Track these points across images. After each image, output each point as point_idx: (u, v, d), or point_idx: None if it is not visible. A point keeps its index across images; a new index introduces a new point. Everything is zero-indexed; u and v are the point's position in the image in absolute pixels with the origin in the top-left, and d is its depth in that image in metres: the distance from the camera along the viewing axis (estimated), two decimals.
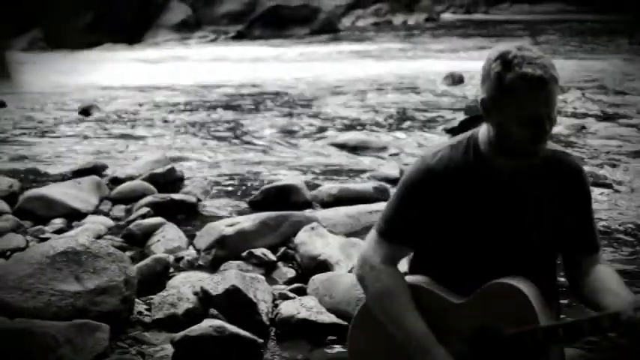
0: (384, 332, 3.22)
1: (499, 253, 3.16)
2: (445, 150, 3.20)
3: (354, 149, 11.32)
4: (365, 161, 10.62)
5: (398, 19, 44.12)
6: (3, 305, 5.29)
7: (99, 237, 7.05)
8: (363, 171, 10.01)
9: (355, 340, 3.39)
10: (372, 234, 3.30)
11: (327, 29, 34.59)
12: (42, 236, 7.29)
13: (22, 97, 16.23)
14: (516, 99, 2.93)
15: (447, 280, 3.21)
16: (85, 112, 14.65)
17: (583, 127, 12.63)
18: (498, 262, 3.15)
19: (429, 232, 3.20)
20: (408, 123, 13.52)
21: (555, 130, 11.62)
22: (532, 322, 3.03)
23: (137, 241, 7.19)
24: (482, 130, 3.15)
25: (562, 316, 3.43)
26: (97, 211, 8.20)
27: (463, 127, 3.02)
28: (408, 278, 3.30)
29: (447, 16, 47.46)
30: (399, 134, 12.56)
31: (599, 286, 3.12)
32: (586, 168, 9.72)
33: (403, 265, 3.38)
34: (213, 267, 6.58)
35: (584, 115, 13.79)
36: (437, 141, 10.96)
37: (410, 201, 3.19)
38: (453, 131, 10.50)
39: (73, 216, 7.93)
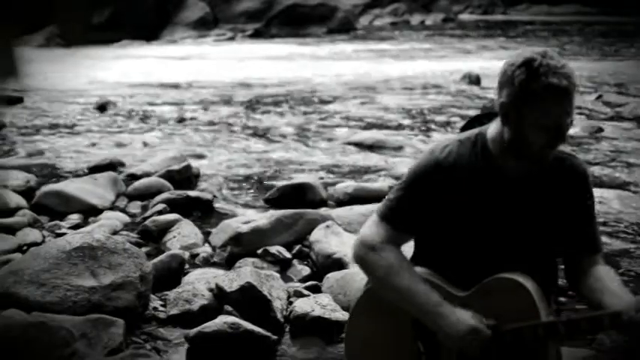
0: (383, 319, 3.27)
1: (501, 248, 3.19)
2: (453, 145, 3.24)
3: (370, 148, 11.32)
4: (381, 160, 10.62)
5: (415, 19, 44.12)
6: (19, 299, 5.33)
7: (115, 233, 7.07)
8: (379, 170, 10.01)
9: (354, 327, 3.43)
10: (373, 218, 3.32)
11: (345, 28, 34.61)
12: (58, 231, 7.32)
13: (39, 93, 16.27)
14: (540, 107, 2.96)
15: (447, 273, 3.24)
16: (102, 108, 14.69)
17: (600, 129, 12.59)
18: (500, 257, 3.17)
19: (432, 223, 3.23)
20: (424, 122, 13.51)
21: (571, 131, 11.57)
22: (533, 318, 3.06)
23: (153, 238, 7.22)
24: (492, 130, 3.18)
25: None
26: (113, 207, 8.24)
27: (470, 124, 3.05)
28: None
29: (464, 17, 47.43)
30: (416, 134, 12.55)
31: (600, 286, 3.15)
32: (602, 170, 9.75)
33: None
34: (228, 264, 6.60)
35: (602, 118, 13.75)
36: None
37: (416, 191, 3.22)
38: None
39: (90, 212, 7.96)
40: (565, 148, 3.22)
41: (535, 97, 2.95)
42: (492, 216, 3.16)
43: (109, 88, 17.49)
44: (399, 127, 13.15)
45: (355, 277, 5.82)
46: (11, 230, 7.16)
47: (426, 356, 3.23)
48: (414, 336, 3.24)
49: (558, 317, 3.23)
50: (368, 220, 3.36)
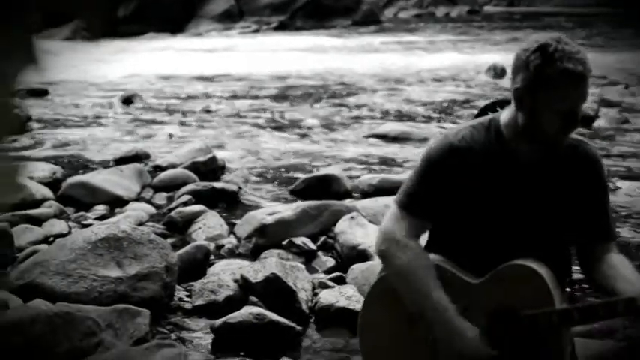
0: (397, 306, 3.26)
1: (514, 234, 3.19)
2: (467, 130, 3.25)
3: (395, 140, 11.31)
4: (406, 152, 10.60)
5: (440, 11, 44.01)
6: (45, 289, 5.36)
7: (140, 224, 7.10)
8: (404, 162, 10.00)
9: (368, 314, 3.43)
10: (393, 209, 3.32)
11: (370, 20, 34.57)
12: (84, 222, 7.35)
13: (65, 85, 16.34)
14: (555, 92, 2.97)
15: (461, 260, 3.24)
16: (128, 100, 14.74)
17: (626, 121, 12.52)
18: (513, 244, 3.17)
19: (447, 208, 3.23)
20: (449, 114, 13.49)
21: (597, 123, 11.49)
22: (547, 304, 3.06)
23: (178, 229, 7.24)
24: (505, 116, 3.20)
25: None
26: (138, 199, 8.26)
27: (482, 112, 3.09)
28: None
29: (489, 9, 47.25)
30: (441, 125, 12.52)
31: (613, 272, 3.15)
32: (626, 163, 9.67)
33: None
34: (253, 255, 6.62)
35: (628, 109, 13.67)
36: None
37: (431, 176, 3.22)
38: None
39: (115, 203, 7.99)
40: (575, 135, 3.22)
41: (550, 81, 2.96)
42: (505, 201, 3.17)
43: (135, 80, 17.54)
44: (425, 119, 13.13)
45: (380, 269, 5.82)
46: (37, 221, 7.20)
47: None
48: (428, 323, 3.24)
49: (572, 304, 3.23)
50: (388, 211, 3.37)
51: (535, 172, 3.17)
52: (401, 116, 13.28)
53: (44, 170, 8.76)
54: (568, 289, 3.44)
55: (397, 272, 3.25)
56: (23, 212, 7.31)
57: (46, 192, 8.02)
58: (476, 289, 3.15)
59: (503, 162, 3.15)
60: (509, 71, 3.24)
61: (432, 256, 3.28)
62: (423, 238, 3.40)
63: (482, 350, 3.11)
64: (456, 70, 18.87)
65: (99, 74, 18.14)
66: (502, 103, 3.28)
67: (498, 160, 3.16)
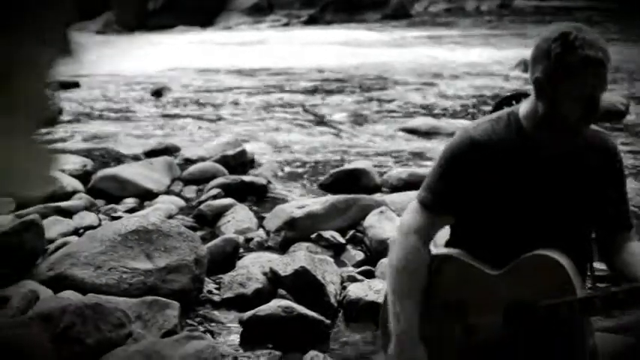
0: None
1: (535, 226, 3.17)
2: (487, 123, 3.24)
3: (425, 134, 11.29)
4: (436, 146, 10.57)
5: (470, 5, 43.77)
6: (75, 281, 5.40)
7: (170, 217, 7.12)
8: (434, 156, 9.95)
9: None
10: (414, 203, 3.31)
11: (400, 14, 34.46)
12: (114, 215, 7.38)
13: (96, 78, 16.40)
14: (575, 80, 2.97)
15: (482, 253, 3.21)
16: (158, 93, 14.79)
17: None
18: (534, 235, 3.15)
19: (468, 202, 3.21)
20: (479, 109, 13.44)
21: (627, 118, 11.38)
22: (568, 294, 3.04)
23: (207, 222, 7.26)
24: (524, 107, 3.19)
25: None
26: (168, 192, 8.29)
27: (499, 106, 3.12)
28: (444, 250, 3.32)
29: (520, 3, 46.98)
30: (470, 120, 12.47)
31: (634, 260, 3.17)
32: None
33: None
34: (282, 248, 6.63)
35: None
36: None
37: (451, 170, 3.21)
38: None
39: (145, 196, 8.02)
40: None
41: (571, 69, 2.96)
42: (526, 193, 3.16)
43: (165, 73, 17.57)
44: (456, 113, 13.08)
45: None
46: (68, 213, 7.23)
47: (462, 337, 3.21)
48: (450, 317, 3.23)
49: (594, 292, 3.22)
50: (409, 204, 3.36)
51: (555, 163, 3.16)
52: (432, 110, 13.25)
53: (75, 163, 8.81)
54: (589, 282, 3.43)
55: (390, 263, 3.27)
56: (54, 204, 7.34)
57: (77, 184, 8.06)
58: (495, 280, 3.14)
59: (523, 154, 3.15)
60: None
61: (452, 249, 3.28)
62: (445, 232, 3.41)
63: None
64: (488, 64, 18.78)
65: (129, 67, 18.19)
66: (518, 97, 3.30)
67: (519, 152, 3.15)
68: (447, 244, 3.38)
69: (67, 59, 0.96)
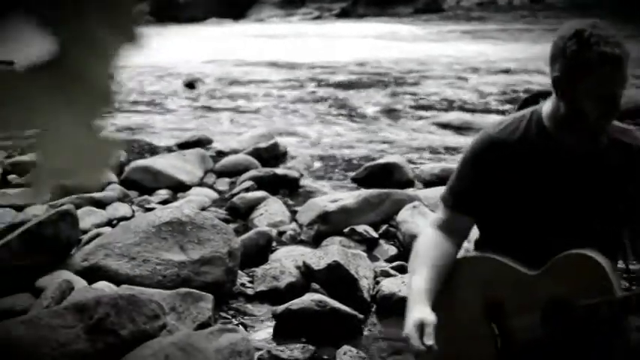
0: (454, 303, 3.24)
1: (558, 225, 3.15)
2: (508, 121, 3.25)
3: (458, 129, 11.24)
4: (468, 141, 10.50)
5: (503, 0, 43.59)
6: (109, 272, 5.41)
7: (203, 209, 7.13)
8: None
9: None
10: (440, 203, 3.38)
11: (432, 8, 34.37)
12: (147, 206, 7.40)
13: (128, 69, 16.44)
14: (593, 77, 2.94)
15: (514, 254, 3.20)
16: (191, 85, 14.82)
17: None
18: (563, 235, 3.13)
19: (490, 202, 3.21)
20: (512, 104, 13.36)
21: None
22: (607, 293, 3.01)
23: (240, 214, 7.26)
24: (547, 106, 3.17)
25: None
26: (201, 184, 8.31)
27: (525, 104, 3.10)
28: (478, 254, 3.33)
29: None
30: (503, 115, 12.41)
31: None
32: None
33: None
34: (315, 242, 6.61)
35: None
36: None
37: (470, 169, 3.23)
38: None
39: (178, 187, 8.04)
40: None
41: (588, 66, 2.93)
42: (550, 192, 3.15)
43: (198, 65, 17.61)
44: (488, 108, 13.02)
45: None
46: (101, 204, 7.26)
47: (500, 338, 3.19)
48: (487, 318, 3.21)
49: (633, 290, 3.20)
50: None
51: (577, 162, 3.14)
52: (465, 105, 13.18)
53: None
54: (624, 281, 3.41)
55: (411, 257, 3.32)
56: (87, 195, 7.38)
57: (110, 175, 8.09)
58: (532, 280, 3.12)
59: (544, 153, 3.14)
60: None
61: (487, 253, 3.27)
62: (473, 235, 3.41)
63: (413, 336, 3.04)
64: (523, 59, 18.66)
65: (162, 59, 18.21)
66: (544, 95, 3.26)
67: (539, 151, 3.14)
68: (476, 245, 3.38)
69: (132, 47, 0.95)
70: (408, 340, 3.00)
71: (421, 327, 2.99)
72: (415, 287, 3.15)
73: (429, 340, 2.95)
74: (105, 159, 0.92)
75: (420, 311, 3.04)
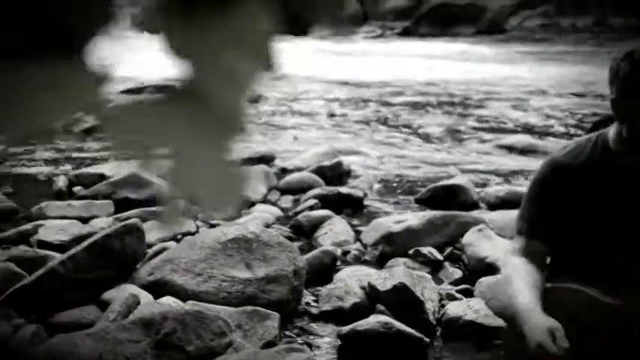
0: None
1: (631, 244, 3.11)
2: (573, 146, 3.27)
3: (522, 152, 11.14)
4: (533, 164, 10.42)
5: (566, 22, 43.25)
6: (176, 287, 5.43)
7: (267, 226, 7.12)
8: (531, 174, 9.80)
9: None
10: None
11: (494, 29, 34.21)
12: (211, 222, 7.41)
13: None
14: None
15: (587, 279, 3.16)
16: (254, 101, 14.86)
17: None
18: (632, 253, 3.09)
19: (561, 225, 3.19)
20: (577, 127, 13.24)
21: None
22: None
23: (304, 233, 7.24)
24: (612, 130, 3.17)
25: None
26: (265, 200, 8.30)
27: (595, 128, 3.12)
28: (562, 285, 3.27)
29: (617, 21, 46.30)
30: (568, 139, 12.29)
31: None
32: None
33: None
34: (379, 263, 6.58)
35: None
36: None
37: (537, 195, 3.27)
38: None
39: (242, 204, 8.04)
40: None
41: None
42: (618, 213, 3.13)
43: (261, 81, 17.61)
44: (553, 131, 12.90)
45: None
46: None
47: None
48: (577, 343, 3.17)
49: None
50: None
51: None
52: (530, 128, 13.07)
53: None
54: None
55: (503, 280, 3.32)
56: (152, 209, 7.41)
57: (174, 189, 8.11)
58: (617, 309, 3.07)
59: (610, 175, 3.14)
60: None
61: (563, 282, 3.22)
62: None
63: (547, 342, 2.98)
64: (589, 82, 18.49)
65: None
66: (613, 119, 3.24)
67: (605, 173, 3.14)
68: (549, 273, 3.35)
69: (267, 72, 0.94)
70: (540, 347, 2.95)
71: (551, 333, 2.97)
72: (526, 303, 3.10)
73: (564, 343, 2.93)
74: (238, 187, 0.90)
75: (544, 320, 3.01)
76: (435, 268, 6.52)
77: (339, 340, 5.16)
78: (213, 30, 0.83)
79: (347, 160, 9.80)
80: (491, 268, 6.26)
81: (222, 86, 0.85)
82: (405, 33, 32.34)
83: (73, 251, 5.65)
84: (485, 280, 5.94)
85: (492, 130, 12.87)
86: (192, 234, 6.88)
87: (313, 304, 5.73)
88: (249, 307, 5.07)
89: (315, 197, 8.04)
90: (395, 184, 9.27)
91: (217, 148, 0.87)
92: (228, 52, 0.84)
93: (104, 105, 0.81)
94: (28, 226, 6.99)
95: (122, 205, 7.75)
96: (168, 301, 5.25)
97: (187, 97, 0.85)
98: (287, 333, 5.29)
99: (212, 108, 0.86)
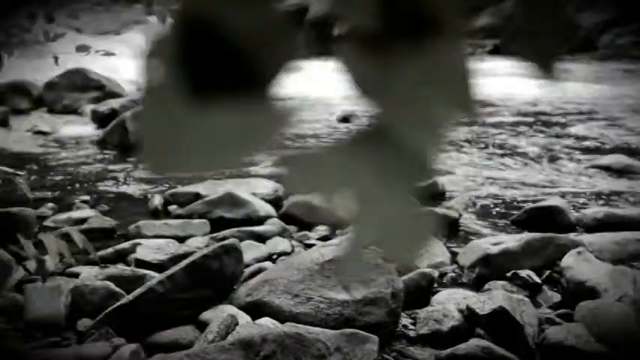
0: None
1: None
2: None
3: (620, 173, 10.94)
4: (631, 186, 10.24)
5: None
6: (273, 308, 5.43)
7: None
8: (630, 196, 9.64)
9: None
10: None
11: (586, 47, 33.79)
12: (307, 242, 7.41)
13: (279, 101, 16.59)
14: None
15: None
16: (345, 120, 14.86)
17: None
18: None
19: None
20: None
21: None
22: None
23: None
24: None
25: None
26: None
27: None
28: None
29: None
30: None
31: None
32: None
33: None
34: (476, 285, 6.50)
35: None
36: None
37: None
38: None
39: (336, 224, 8.03)
40: None
41: None
42: None
43: (352, 99, 17.62)
44: None
45: (611, 309, 5.63)
46: (262, 239, 7.32)
47: None
48: None
49: None
50: None
51: None
52: (627, 148, 12.84)
53: (266, 187, 8.91)
54: None
55: None
56: (248, 228, 7.45)
57: (269, 209, 8.16)
58: None
59: None
60: None
61: None
62: None
63: None
64: None
65: (315, 91, 18.35)
66: None
67: None
68: None
69: (465, 116, 0.91)
70: None
71: None
72: None
73: None
74: (424, 233, 0.88)
75: None
76: (533, 291, 6.41)
77: None
78: (406, 65, 0.81)
79: (441, 180, 9.73)
80: (591, 292, 6.14)
81: (415, 129, 0.83)
82: (495, 51, 32.10)
83: (171, 271, 5.70)
84: (585, 305, 5.83)
85: (588, 149, 12.67)
86: (288, 254, 6.89)
87: (411, 327, 5.67)
88: (348, 330, 5.05)
89: None
90: (490, 205, 9.17)
91: (405, 194, 0.85)
92: (424, 90, 0.82)
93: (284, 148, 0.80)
94: (126, 244, 7.08)
95: (218, 224, 7.80)
96: (267, 323, 5.27)
97: (377, 138, 0.84)
98: (385, 356, 5.25)
99: (403, 151, 0.84)
